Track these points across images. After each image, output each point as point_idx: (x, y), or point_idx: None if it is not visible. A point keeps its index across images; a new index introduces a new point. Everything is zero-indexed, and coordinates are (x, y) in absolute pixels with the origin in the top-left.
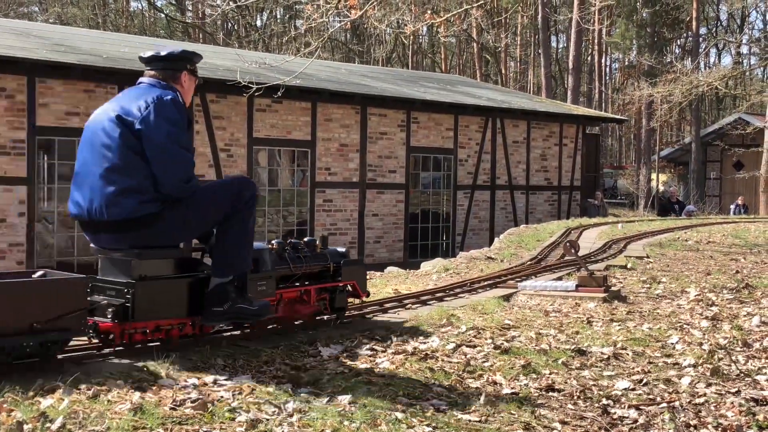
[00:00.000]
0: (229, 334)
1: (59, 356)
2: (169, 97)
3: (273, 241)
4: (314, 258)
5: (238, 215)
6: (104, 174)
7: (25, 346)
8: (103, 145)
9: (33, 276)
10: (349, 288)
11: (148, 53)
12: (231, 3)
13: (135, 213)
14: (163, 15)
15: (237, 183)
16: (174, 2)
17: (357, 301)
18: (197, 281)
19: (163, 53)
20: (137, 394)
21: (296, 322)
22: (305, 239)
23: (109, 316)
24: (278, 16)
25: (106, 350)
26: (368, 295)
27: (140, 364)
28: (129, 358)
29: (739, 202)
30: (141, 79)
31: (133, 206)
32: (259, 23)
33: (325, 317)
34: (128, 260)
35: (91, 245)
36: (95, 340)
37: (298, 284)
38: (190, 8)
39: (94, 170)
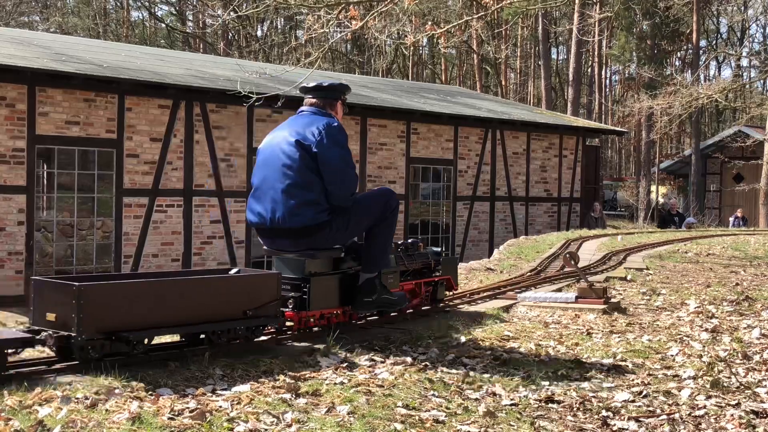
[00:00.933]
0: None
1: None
2: (335, 124)
3: None
4: (419, 256)
5: (385, 222)
6: (286, 189)
7: (238, 330)
8: (284, 165)
9: (229, 273)
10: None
11: (312, 84)
12: (232, 13)
13: (312, 222)
14: (163, 25)
15: (385, 194)
16: (175, 12)
17: (449, 293)
18: (346, 276)
19: (325, 84)
20: (135, 403)
21: (408, 311)
22: (410, 241)
23: (290, 306)
24: (279, 27)
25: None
26: (457, 288)
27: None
28: (305, 341)
29: (738, 214)
30: (303, 108)
31: (311, 216)
32: (259, 33)
33: (429, 307)
34: (302, 260)
35: (264, 247)
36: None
37: (409, 278)
38: (190, 18)
39: (277, 186)
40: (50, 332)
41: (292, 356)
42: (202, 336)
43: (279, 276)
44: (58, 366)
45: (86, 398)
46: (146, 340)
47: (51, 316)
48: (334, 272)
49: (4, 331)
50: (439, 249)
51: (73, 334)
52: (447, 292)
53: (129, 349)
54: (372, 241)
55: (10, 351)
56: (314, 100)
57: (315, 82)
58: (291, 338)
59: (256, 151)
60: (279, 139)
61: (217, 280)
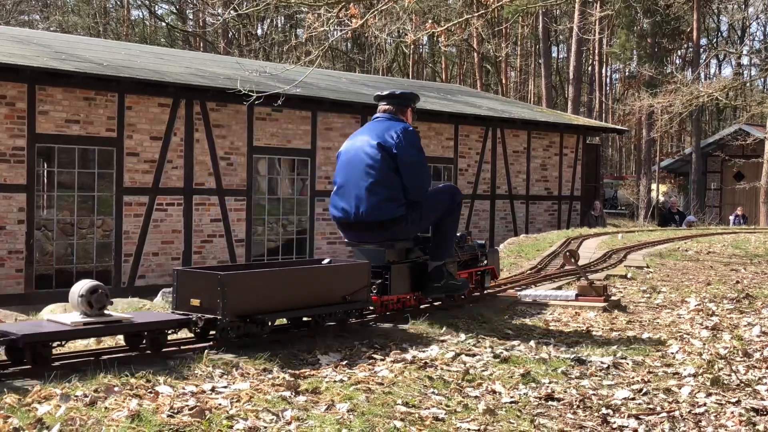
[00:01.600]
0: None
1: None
2: (410, 128)
3: None
4: (468, 248)
5: (451, 215)
6: (369, 187)
7: (337, 313)
8: (367, 165)
9: (322, 263)
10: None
11: (386, 92)
12: (232, 11)
13: (391, 215)
14: (164, 24)
15: (451, 191)
16: (175, 11)
17: (492, 282)
18: (416, 265)
19: (398, 93)
20: (134, 401)
21: (461, 297)
22: (459, 234)
23: (374, 291)
24: (279, 25)
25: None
26: (499, 276)
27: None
28: (386, 323)
29: (739, 212)
30: (378, 114)
31: (391, 211)
32: (259, 32)
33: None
34: (382, 250)
35: (346, 239)
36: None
37: (459, 268)
38: (191, 17)
39: (360, 184)
40: (199, 315)
41: (291, 355)
42: (305, 319)
43: (369, 265)
44: (200, 345)
45: (85, 396)
46: (269, 322)
47: (195, 302)
48: (406, 261)
49: (162, 314)
50: (483, 241)
51: (218, 317)
52: (491, 281)
53: (258, 330)
54: (439, 232)
55: (169, 331)
56: (388, 107)
57: (388, 90)
58: (373, 320)
59: (337, 154)
60: (361, 142)
61: (327, 270)
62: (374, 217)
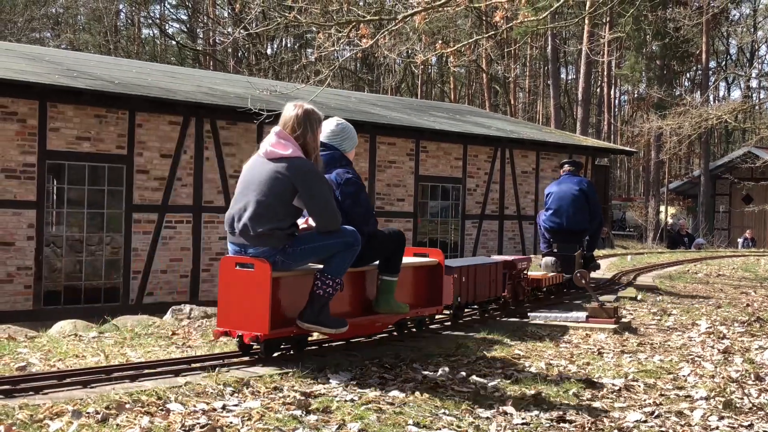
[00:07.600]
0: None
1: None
2: (590, 180)
3: None
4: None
5: (601, 226)
6: (574, 211)
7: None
8: (573, 199)
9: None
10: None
11: (570, 160)
12: (242, 31)
13: (584, 227)
14: (174, 42)
15: (602, 213)
16: (185, 30)
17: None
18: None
19: (577, 161)
20: (146, 418)
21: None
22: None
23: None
24: (288, 45)
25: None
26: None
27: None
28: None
29: (747, 235)
30: (567, 172)
31: (584, 224)
32: (269, 51)
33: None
34: (574, 246)
35: (553, 242)
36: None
37: None
38: (201, 36)
39: (570, 210)
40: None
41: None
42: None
43: (582, 252)
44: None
45: (97, 413)
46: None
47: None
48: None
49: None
50: (591, 254)
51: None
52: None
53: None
54: (594, 236)
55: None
56: (572, 168)
57: (571, 160)
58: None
59: (548, 192)
60: (567, 187)
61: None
62: (576, 227)
